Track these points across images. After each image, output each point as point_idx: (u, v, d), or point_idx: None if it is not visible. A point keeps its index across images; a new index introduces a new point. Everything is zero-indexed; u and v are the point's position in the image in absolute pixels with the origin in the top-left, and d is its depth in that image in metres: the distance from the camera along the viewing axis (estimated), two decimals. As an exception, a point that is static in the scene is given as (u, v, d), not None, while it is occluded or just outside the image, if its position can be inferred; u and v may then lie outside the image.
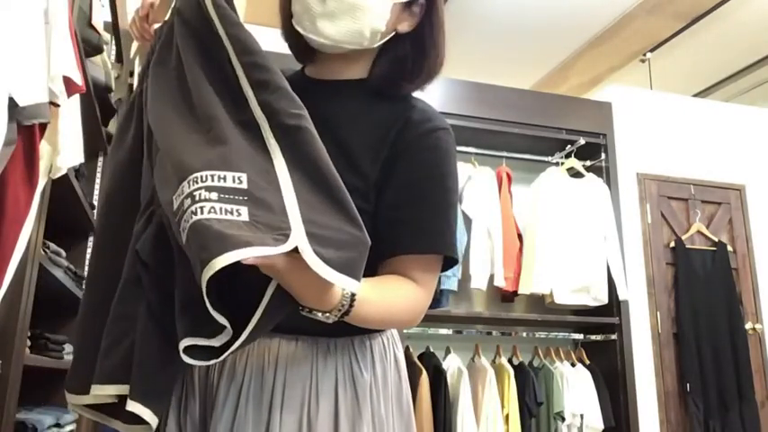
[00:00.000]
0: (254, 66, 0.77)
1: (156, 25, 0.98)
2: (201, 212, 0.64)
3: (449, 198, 0.90)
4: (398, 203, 0.87)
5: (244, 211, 0.65)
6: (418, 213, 0.87)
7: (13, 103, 1.16)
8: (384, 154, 0.88)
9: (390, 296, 0.85)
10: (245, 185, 0.67)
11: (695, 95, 5.37)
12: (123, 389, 0.77)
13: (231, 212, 0.65)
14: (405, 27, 0.93)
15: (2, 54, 1.14)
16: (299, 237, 0.66)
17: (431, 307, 0.94)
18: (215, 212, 0.64)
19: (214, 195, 0.65)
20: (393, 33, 0.93)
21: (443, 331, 3.07)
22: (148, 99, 0.84)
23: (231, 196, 0.66)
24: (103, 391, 0.78)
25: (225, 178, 0.67)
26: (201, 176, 0.67)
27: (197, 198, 0.65)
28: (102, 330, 0.81)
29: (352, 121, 0.91)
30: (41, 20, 1.30)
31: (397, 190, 0.87)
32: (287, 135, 0.74)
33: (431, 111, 0.95)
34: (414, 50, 0.94)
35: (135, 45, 1.09)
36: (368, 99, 0.94)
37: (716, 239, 3.59)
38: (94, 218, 0.90)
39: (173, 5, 0.88)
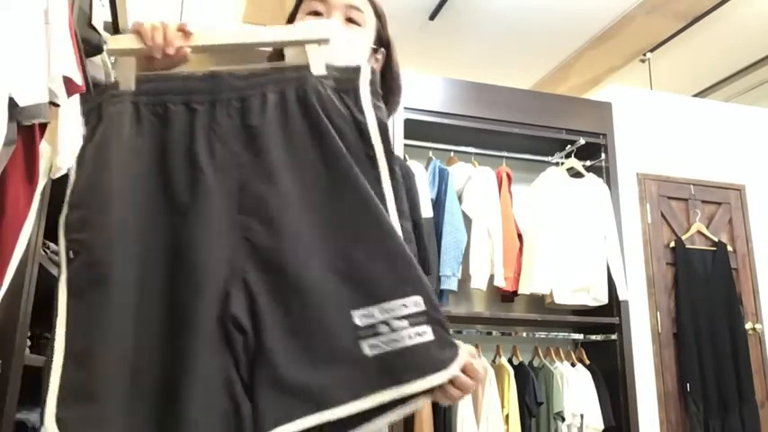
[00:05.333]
0: (403, 212, 0.88)
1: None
2: (401, 341, 0.78)
3: None
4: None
5: (429, 330, 0.80)
6: None
7: (13, 103, 1.16)
8: None
9: None
10: (423, 307, 0.80)
11: (695, 95, 5.37)
12: None
13: (420, 334, 0.79)
14: (375, 68, 1.09)
15: (2, 54, 1.14)
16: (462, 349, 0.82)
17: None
18: (411, 338, 0.78)
19: (405, 323, 0.79)
20: None
21: (443, 331, 3.06)
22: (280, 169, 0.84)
23: (417, 319, 0.80)
24: None
25: (407, 305, 0.80)
26: (392, 308, 0.80)
27: (394, 327, 0.79)
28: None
29: None
30: (41, 20, 1.30)
31: None
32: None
33: None
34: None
35: (131, 39, 0.89)
36: None
37: (716, 239, 3.58)
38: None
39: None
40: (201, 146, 0.83)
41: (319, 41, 0.90)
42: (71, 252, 0.81)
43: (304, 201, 0.82)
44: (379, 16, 1.11)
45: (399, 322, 0.79)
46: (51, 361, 0.75)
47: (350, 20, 1.06)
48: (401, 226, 0.85)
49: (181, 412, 0.73)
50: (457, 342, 0.82)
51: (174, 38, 0.88)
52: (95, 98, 0.88)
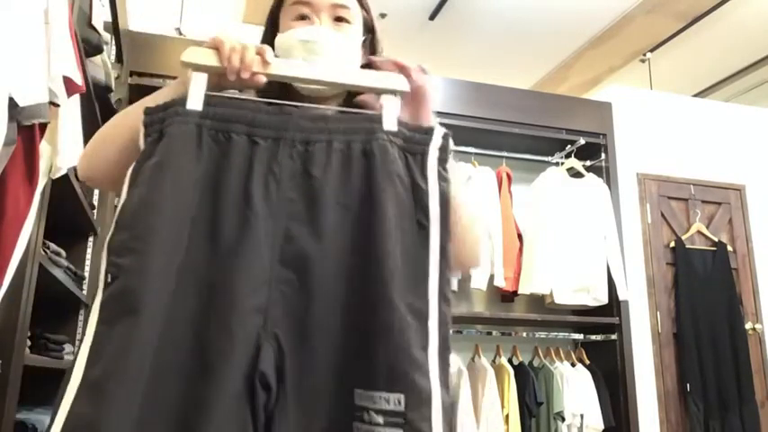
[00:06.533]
0: (448, 279, 0.83)
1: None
2: None
3: None
4: None
5: None
6: None
7: (13, 103, 1.16)
8: None
9: None
10: (402, 407, 0.74)
11: (695, 95, 5.37)
12: None
13: None
14: (363, 60, 1.04)
15: (2, 54, 1.14)
16: None
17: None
18: None
19: (380, 419, 0.74)
20: None
21: (443, 331, 3.06)
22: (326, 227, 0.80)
23: (392, 419, 0.74)
24: None
25: (389, 401, 0.75)
26: (374, 397, 0.75)
27: (366, 419, 0.74)
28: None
29: None
30: (41, 20, 1.30)
31: None
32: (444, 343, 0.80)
33: None
34: None
35: (208, 55, 0.87)
36: None
37: (716, 239, 3.59)
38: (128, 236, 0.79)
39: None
40: (257, 185, 0.80)
41: (397, 92, 0.88)
42: (109, 276, 0.77)
43: (341, 267, 0.80)
44: (362, 3, 1.06)
45: (376, 416, 0.74)
46: (67, 384, 0.74)
47: (339, 19, 1.00)
48: (439, 308, 0.80)
49: None
50: None
51: (251, 63, 0.86)
52: (159, 110, 0.84)
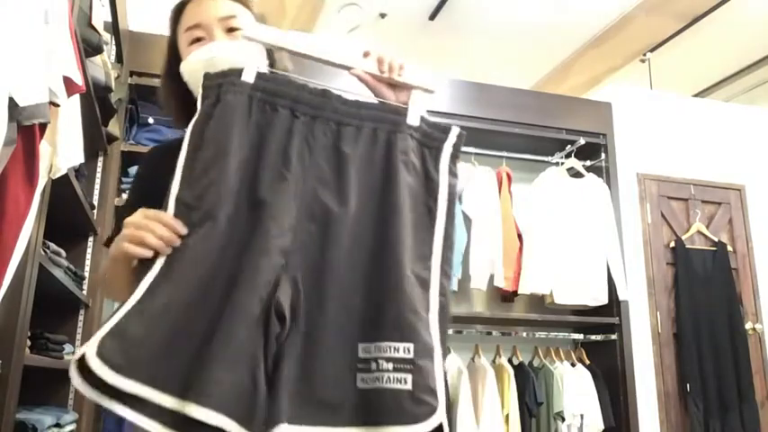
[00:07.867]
0: (449, 258, 0.96)
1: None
2: (380, 381, 0.83)
3: None
4: None
5: (409, 379, 0.83)
6: None
7: (13, 103, 1.16)
8: None
9: None
10: (411, 355, 0.84)
11: (695, 95, 5.37)
12: (229, 423, 0.78)
13: (399, 381, 0.83)
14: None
15: (2, 54, 1.14)
16: (441, 414, 0.84)
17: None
18: (390, 382, 0.83)
19: (390, 365, 0.84)
20: None
21: (443, 331, 3.06)
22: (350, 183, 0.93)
23: (402, 365, 0.84)
24: (215, 420, 0.77)
25: (398, 349, 0.85)
26: (383, 347, 0.85)
27: (380, 367, 0.84)
28: (192, 341, 0.81)
29: None
30: (41, 20, 1.30)
31: None
32: (443, 311, 0.92)
33: None
34: None
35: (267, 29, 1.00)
36: None
37: (716, 239, 3.59)
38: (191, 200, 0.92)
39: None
40: (295, 150, 0.93)
41: (426, 90, 1.03)
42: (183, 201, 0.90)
43: (357, 228, 0.92)
44: (244, 3, 1.15)
45: (386, 363, 0.84)
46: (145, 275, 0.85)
47: (230, 29, 1.11)
48: (440, 281, 0.93)
49: (207, 371, 0.79)
50: (437, 396, 0.84)
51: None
52: (218, 77, 0.96)
